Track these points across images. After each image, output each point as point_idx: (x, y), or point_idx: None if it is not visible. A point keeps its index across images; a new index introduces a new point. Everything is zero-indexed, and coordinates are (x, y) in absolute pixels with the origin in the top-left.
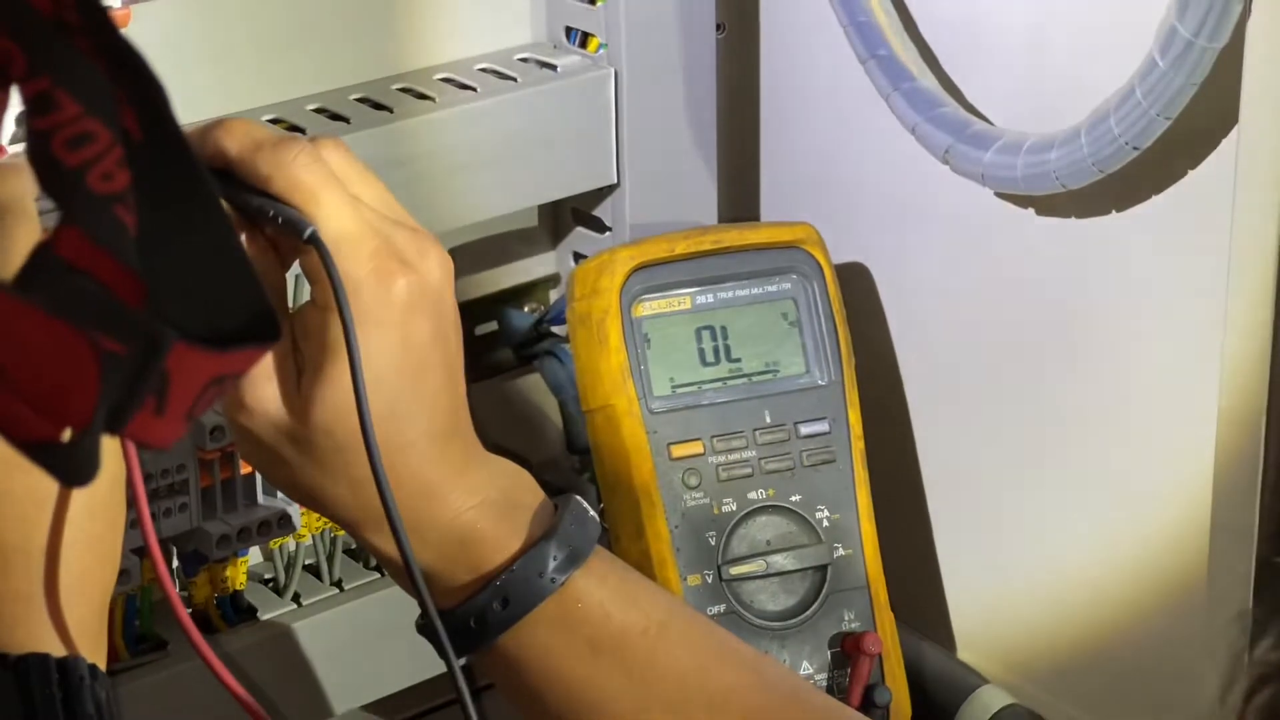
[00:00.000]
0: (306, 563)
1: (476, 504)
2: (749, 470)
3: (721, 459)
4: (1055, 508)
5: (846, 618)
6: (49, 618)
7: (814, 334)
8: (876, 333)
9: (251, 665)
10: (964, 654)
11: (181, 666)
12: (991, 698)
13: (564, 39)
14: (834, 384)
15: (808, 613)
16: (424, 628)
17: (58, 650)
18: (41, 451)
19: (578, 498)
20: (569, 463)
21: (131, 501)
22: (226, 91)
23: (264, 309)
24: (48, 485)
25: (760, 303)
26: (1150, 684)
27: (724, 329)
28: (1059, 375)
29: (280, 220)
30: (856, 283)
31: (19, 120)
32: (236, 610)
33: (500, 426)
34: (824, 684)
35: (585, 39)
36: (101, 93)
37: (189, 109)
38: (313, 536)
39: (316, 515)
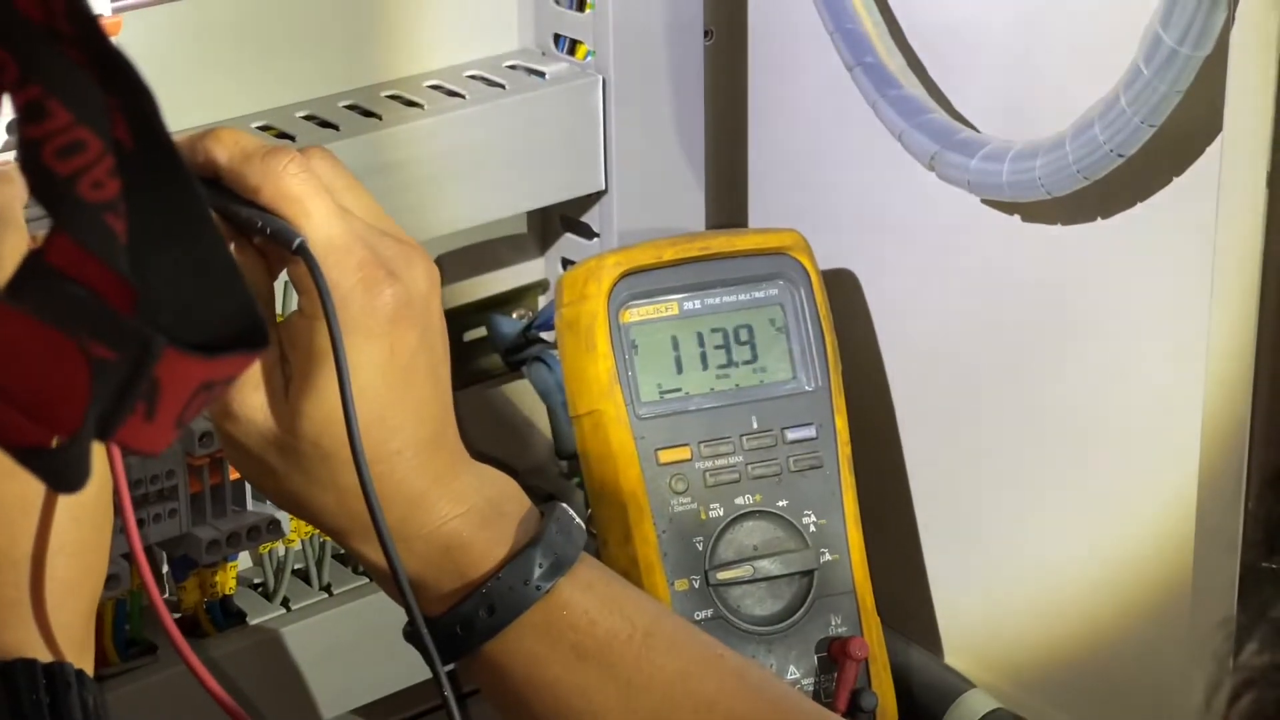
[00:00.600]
0: (295, 568)
1: (462, 512)
2: (736, 475)
3: (709, 464)
4: (1041, 513)
5: (833, 622)
6: (36, 623)
7: (801, 340)
8: (863, 338)
9: (241, 670)
10: (950, 659)
11: (171, 671)
12: (978, 702)
13: (552, 46)
14: (821, 389)
15: (794, 617)
16: (411, 635)
17: (45, 656)
18: (32, 457)
19: (564, 505)
20: (557, 468)
21: (118, 508)
22: (216, 98)
23: (253, 316)
24: (34, 492)
25: (747, 308)
26: (1135, 688)
27: (711, 335)
28: (1044, 381)
29: (269, 230)
30: (843, 288)
31: (9, 129)
32: (226, 615)
33: (488, 432)
34: (810, 689)
35: (573, 46)
36: (92, 101)
37: (178, 116)
38: (302, 542)
39: (302, 520)
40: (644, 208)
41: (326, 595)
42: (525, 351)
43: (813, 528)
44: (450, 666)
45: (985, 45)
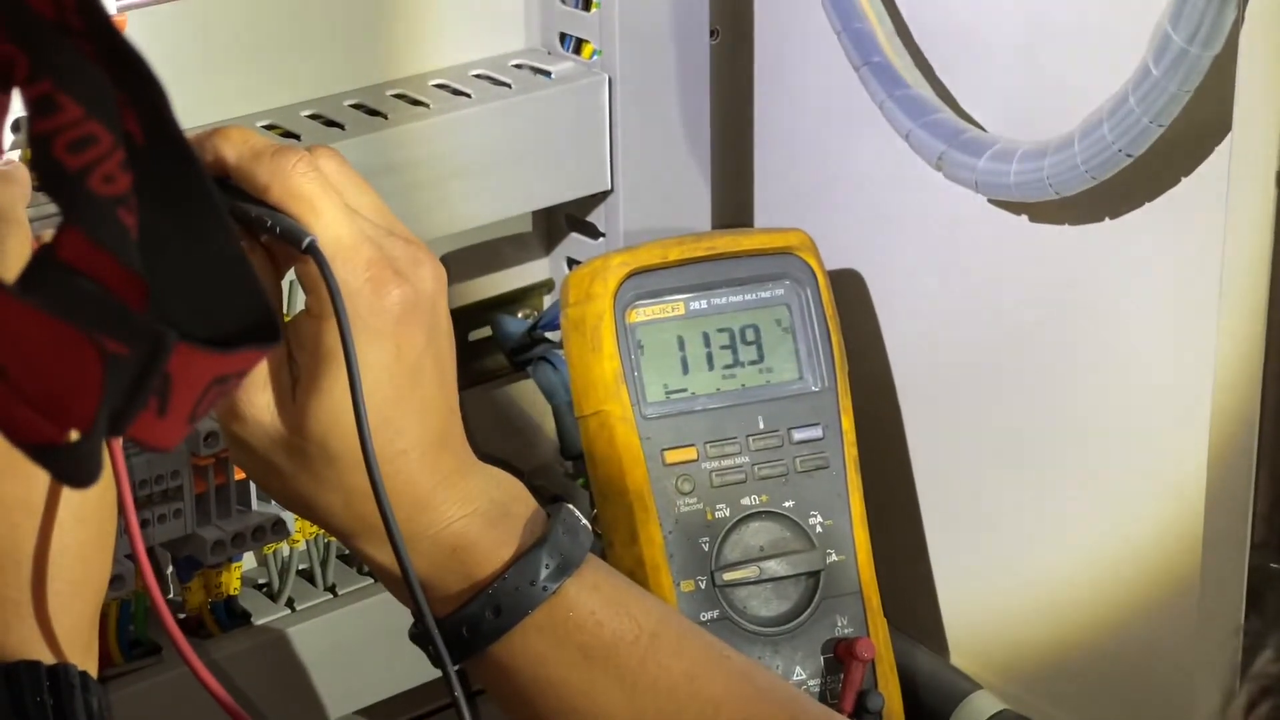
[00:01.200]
0: (300, 568)
1: (469, 513)
2: (742, 476)
3: (715, 465)
4: (1048, 513)
5: (839, 623)
6: (39, 625)
7: (807, 340)
8: (869, 339)
9: (245, 671)
10: (957, 660)
11: (175, 672)
12: (984, 703)
13: (558, 45)
14: (827, 390)
15: (801, 618)
16: (417, 636)
17: (49, 657)
18: (44, 453)
19: (570, 506)
20: (562, 468)
21: (121, 507)
22: (221, 97)
23: (265, 311)
24: (38, 493)
25: (754, 308)
26: (1142, 690)
27: (717, 335)
28: (1052, 382)
29: (278, 229)
30: (850, 289)
31: (15, 127)
32: (231, 615)
33: (494, 432)
34: (817, 690)
35: (579, 45)
36: (103, 96)
37: (184, 115)
38: (306, 542)
39: (308, 521)
40: (650, 207)
41: (331, 595)
42: (530, 351)
43: (819, 528)
44: (456, 668)
45: (993, 45)
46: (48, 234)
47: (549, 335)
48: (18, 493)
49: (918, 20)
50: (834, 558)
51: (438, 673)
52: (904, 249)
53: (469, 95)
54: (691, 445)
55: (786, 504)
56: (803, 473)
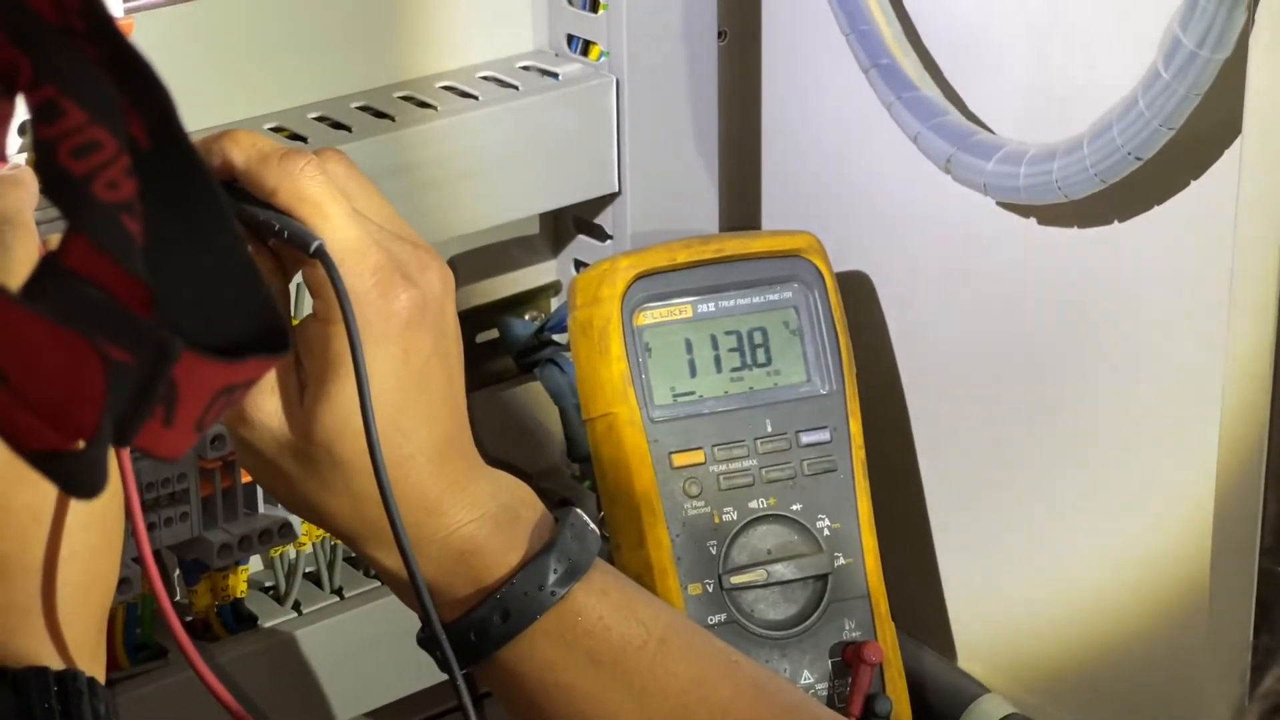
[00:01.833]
0: (307, 571)
1: (477, 518)
2: (750, 479)
3: (722, 468)
4: (1057, 517)
5: (847, 627)
6: (47, 630)
7: (815, 343)
8: (878, 341)
9: (252, 674)
10: (965, 663)
11: (181, 675)
12: (992, 707)
13: (566, 47)
14: (835, 393)
15: (808, 622)
16: (424, 641)
17: (56, 663)
18: (48, 462)
19: (578, 511)
20: (569, 471)
21: (128, 511)
22: (227, 99)
23: (274, 318)
24: (46, 501)
25: (761, 311)
26: (1151, 693)
27: (725, 338)
28: (1060, 385)
29: (286, 233)
30: (858, 291)
31: (21, 130)
32: (237, 619)
33: (501, 435)
34: (825, 694)
35: (587, 47)
36: (108, 100)
37: (189, 117)
38: (313, 545)
39: (315, 525)
40: (657, 210)
41: (338, 599)
42: (538, 354)
43: (827, 532)
44: (463, 672)
45: (1002, 47)
46: (54, 239)
47: (556, 338)
48: (25, 500)
49: (926, 22)
50: (842, 561)
51: (444, 676)
52: (912, 252)
53: (476, 97)
54: (699, 448)
55: (794, 507)
56: (810, 476)
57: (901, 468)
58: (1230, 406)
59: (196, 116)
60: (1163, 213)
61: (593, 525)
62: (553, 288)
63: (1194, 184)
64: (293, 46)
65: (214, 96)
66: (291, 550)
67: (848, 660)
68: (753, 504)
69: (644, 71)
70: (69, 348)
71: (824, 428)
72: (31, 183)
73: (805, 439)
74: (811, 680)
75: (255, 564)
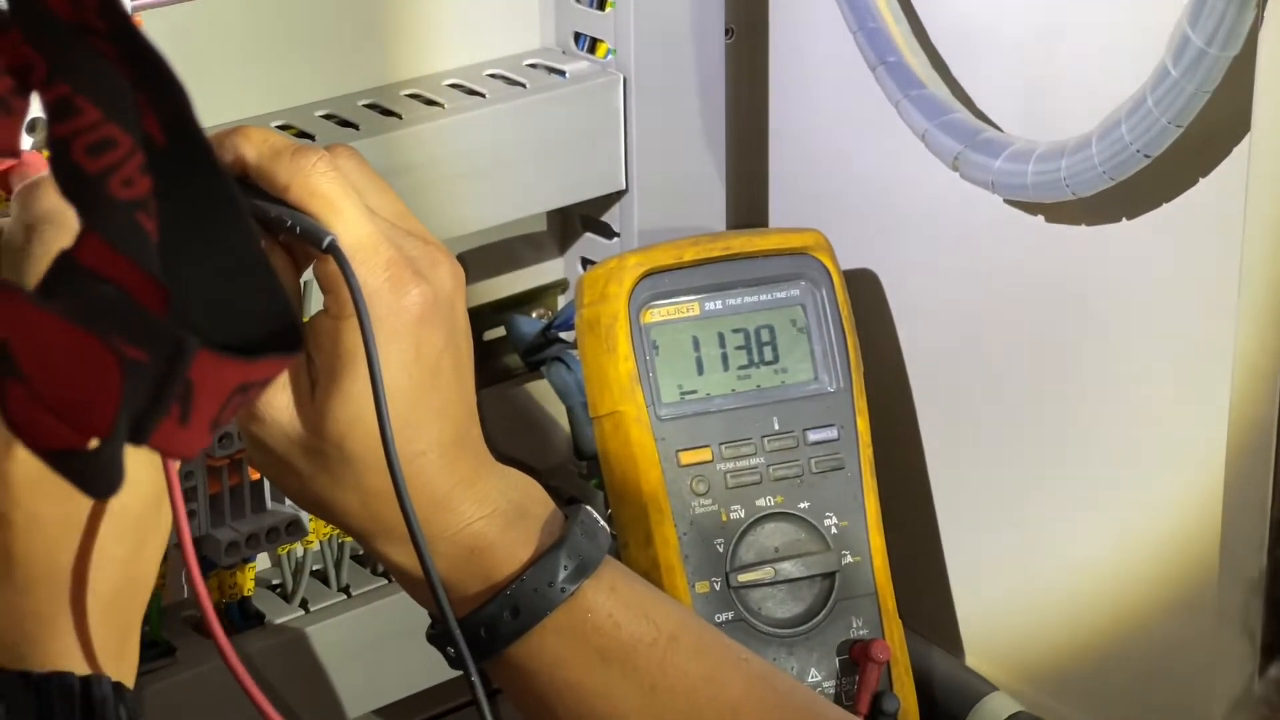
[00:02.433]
0: (314, 568)
1: (487, 514)
2: (757, 477)
3: (730, 466)
4: (1064, 515)
5: (855, 625)
6: (75, 638)
7: (823, 340)
8: (885, 339)
9: (259, 671)
10: (972, 661)
11: (189, 673)
12: (1000, 705)
13: (573, 44)
14: (842, 391)
15: (816, 620)
16: (435, 637)
17: (83, 668)
18: (63, 460)
19: (588, 508)
20: (576, 469)
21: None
22: (235, 97)
23: (289, 317)
24: (78, 511)
25: (769, 309)
26: (1159, 692)
27: (733, 335)
28: (1068, 382)
29: (298, 229)
30: (865, 289)
31: (29, 128)
32: (245, 616)
33: (508, 432)
34: (832, 691)
35: (594, 44)
36: (122, 98)
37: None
38: (321, 543)
39: (324, 521)
40: (665, 207)
41: (345, 596)
42: (545, 351)
43: (834, 529)
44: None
45: (1009, 45)
46: None
47: (563, 335)
48: (52, 511)
49: (934, 20)
50: (849, 559)
51: (452, 673)
52: (920, 249)
53: (483, 95)
54: (706, 446)
55: (801, 505)
56: (818, 474)
57: (909, 465)
58: (1238, 402)
59: (204, 114)
60: (1171, 210)
61: (603, 522)
62: (560, 285)
63: (1202, 181)
64: (300, 44)
65: (221, 94)
66: (299, 548)
67: (855, 658)
68: (760, 502)
69: (651, 69)
70: (85, 347)
71: (831, 425)
72: None
73: (812, 437)
74: (819, 678)
75: (263, 561)
